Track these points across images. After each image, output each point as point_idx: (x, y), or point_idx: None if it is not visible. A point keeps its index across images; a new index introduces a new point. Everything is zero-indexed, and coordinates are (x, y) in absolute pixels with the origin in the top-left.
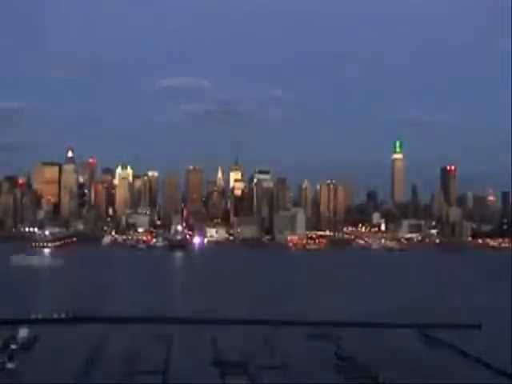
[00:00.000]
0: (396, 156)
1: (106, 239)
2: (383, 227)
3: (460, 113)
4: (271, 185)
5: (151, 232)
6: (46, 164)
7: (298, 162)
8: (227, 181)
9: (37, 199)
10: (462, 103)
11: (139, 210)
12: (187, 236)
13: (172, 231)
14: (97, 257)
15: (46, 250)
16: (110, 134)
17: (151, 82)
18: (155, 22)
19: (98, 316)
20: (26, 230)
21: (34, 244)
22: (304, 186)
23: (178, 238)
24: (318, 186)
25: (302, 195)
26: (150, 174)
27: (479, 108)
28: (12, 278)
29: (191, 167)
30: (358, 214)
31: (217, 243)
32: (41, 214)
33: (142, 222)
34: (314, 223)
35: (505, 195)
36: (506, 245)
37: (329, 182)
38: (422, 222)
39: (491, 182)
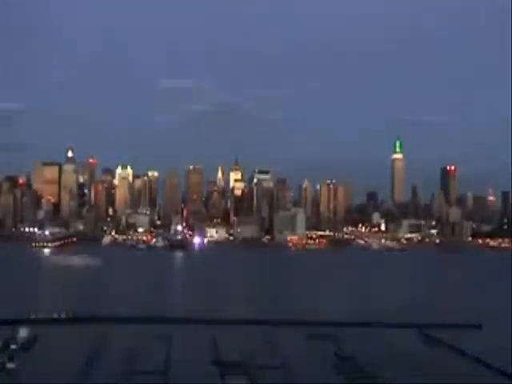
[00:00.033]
0: (396, 156)
1: (106, 239)
2: (383, 227)
3: (460, 113)
4: (271, 185)
5: (151, 232)
6: (45, 164)
7: (298, 162)
8: (227, 181)
9: (37, 199)
10: (462, 103)
11: (139, 210)
12: (187, 236)
13: (172, 231)
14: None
15: (46, 250)
16: (110, 133)
17: (151, 82)
18: (155, 22)
19: (98, 316)
20: (26, 230)
21: (34, 244)
22: (304, 186)
23: (178, 237)
24: (318, 186)
25: (302, 195)
26: (150, 173)
27: (479, 108)
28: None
29: (191, 167)
30: (358, 214)
31: (217, 243)
32: (41, 214)
33: (142, 221)
34: (314, 223)
35: (505, 195)
36: (506, 245)
37: (329, 182)
38: (422, 222)
39: (491, 182)
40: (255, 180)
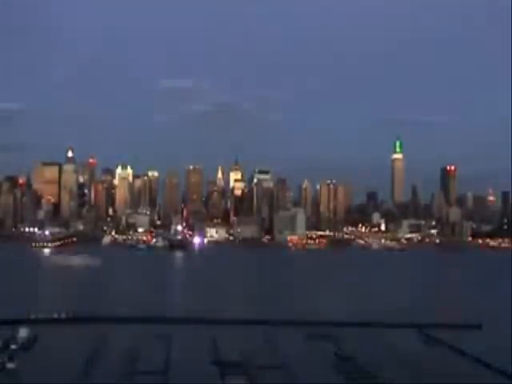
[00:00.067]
0: (396, 156)
1: (106, 239)
2: (383, 227)
3: (460, 113)
4: (271, 185)
5: (151, 232)
6: (46, 164)
7: (298, 162)
8: (227, 181)
9: (37, 199)
10: (462, 103)
11: (139, 210)
12: (187, 236)
13: (172, 231)
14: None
15: (46, 250)
16: (110, 133)
17: (151, 82)
18: (155, 22)
19: (97, 316)
20: (26, 230)
21: (34, 244)
22: (304, 186)
23: (178, 237)
24: (318, 186)
25: (302, 195)
26: (150, 173)
27: (479, 108)
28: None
29: (191, 167)
30: (358, 214)
31: (217, 243)
32: (41, 214)
33: (142, 221)
34: (314, 223)
35: (505, 195)
36: (506, 245)
37: (329, 182)
38: (422, 222)
39: (491, 182)
40: (255, 180)
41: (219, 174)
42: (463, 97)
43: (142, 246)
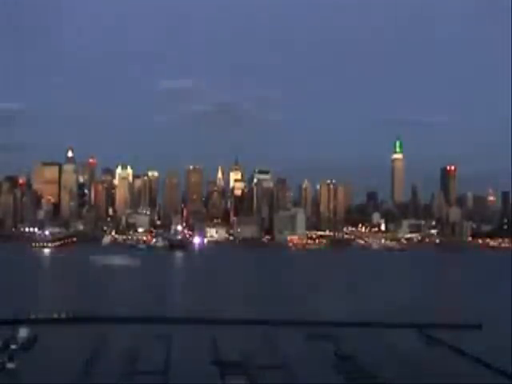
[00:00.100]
0: (396, 156)
1: (106, 239)
2: (383, 227)
3: (460, 113)
4: (271, 185)
5: (151, 232)
6: (46, 164)
7: (298, 162)
8: (227, 181)
9: (37, 199)
10: (462, 103)
11: (139, 210)
12: (187, 236)
13: (172, 231)
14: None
15: (46, 250)
16: (110, 133)
17: (151, 83)
18: (155, 22)
19: (97, 316)
20: (26, 230)
21: (34, 244)
22: (304, 186)
23: (178, 238)
24: (318, 186)
25: (302, 195)
26: (150, 173)
27: (479, 108)
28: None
29: (191, 167)
30: (358, 214)
31: (217, 243)
32: (41, 214)
33: (142, 221)
34: (314, 223)
35: (505, 195)
36: (506, 245)
37: (329, 182)
38: (422, 222)
39: (491, 182)
40: (255, 180)
41: (219, 174)
42: (463, 97)
43: (142, 245)
